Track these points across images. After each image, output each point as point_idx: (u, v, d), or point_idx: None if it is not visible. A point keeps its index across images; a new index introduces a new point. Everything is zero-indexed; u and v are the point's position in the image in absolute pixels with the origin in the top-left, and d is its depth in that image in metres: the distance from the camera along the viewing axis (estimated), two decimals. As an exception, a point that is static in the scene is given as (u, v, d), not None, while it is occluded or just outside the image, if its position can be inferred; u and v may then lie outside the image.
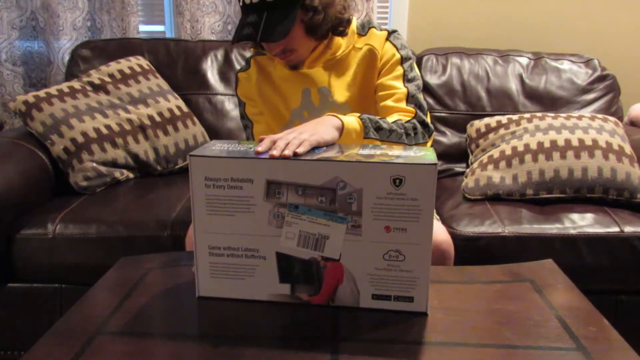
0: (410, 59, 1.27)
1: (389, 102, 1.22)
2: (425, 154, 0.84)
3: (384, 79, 1.25)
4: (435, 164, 0.78)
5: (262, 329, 0.81)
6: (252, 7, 1.15)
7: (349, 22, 1.27)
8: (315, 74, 1.27)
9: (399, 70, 1.25)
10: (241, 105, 1.37)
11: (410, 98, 1.22)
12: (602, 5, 2.25)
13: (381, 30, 1.29)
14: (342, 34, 1.26)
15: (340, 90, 1.26)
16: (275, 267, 0.85)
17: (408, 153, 0.85)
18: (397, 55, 1.25)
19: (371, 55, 1.26)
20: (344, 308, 0.86)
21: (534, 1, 2.26)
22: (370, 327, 0.81)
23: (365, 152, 0.86)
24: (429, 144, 1.23)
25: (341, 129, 1.04)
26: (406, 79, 1.24)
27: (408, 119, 1.19)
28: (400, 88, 1.23)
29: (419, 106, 1.22)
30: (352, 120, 1.07)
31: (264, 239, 0.84)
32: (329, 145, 0.95)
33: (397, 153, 0.85)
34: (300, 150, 0.85)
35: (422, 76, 2.03)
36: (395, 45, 1.26)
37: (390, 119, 1.17)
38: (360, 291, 0.85)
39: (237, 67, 2.06)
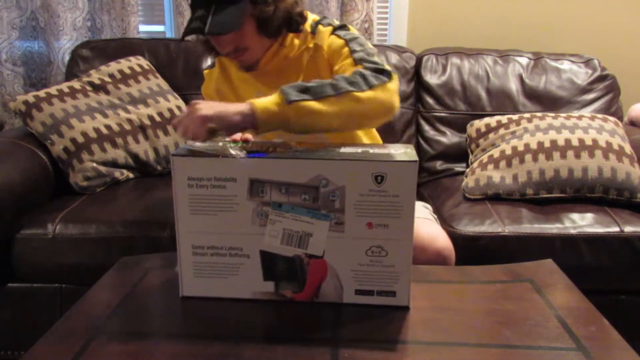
0: (355, 38, 1.18)
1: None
2: (406, 152, 0.86)
3: (336, 67, 1.17)
4: (415, 161, 0.80)
5: (262, 328, 0.81)
6: (200, 1, 1.11)
7: (302, 16, 1.22)
8: (267, 77, 1.23)
9: (345, 52, 1.16)
10: None
11: (357, 62, 1.11)
12: (602, 5, 2.25)
13: (328, 25, 1.23)
14: (297, 30, 1.21)
15: None
16: (259, 265, 0.86)
17: (389, 151, 0.86)
18: (341, 41, 1.18)
19: (317, 53, 1.21)
20: (328, 305, 0.86)
21: (534, 1, 2.26)
22: (365, 326, 0.81)
23: (347, 150, 0.86)
24: (394, 84, 1.07)
25: (252, 110, 0.95)
26: (353, 53, 1.14)
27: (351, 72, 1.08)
28: (349, 62, 1.14)
29: (365, 61, 1.10)
30: (267, 97, 0.98)
31: (247, 238, 0.84)
32: (214, 120, 0.92)
33: (377, 151, 0.86)
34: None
35: (422, 76, 2.03)
36: (338, 35, 1.20)
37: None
38: (344, 287, 0.86)
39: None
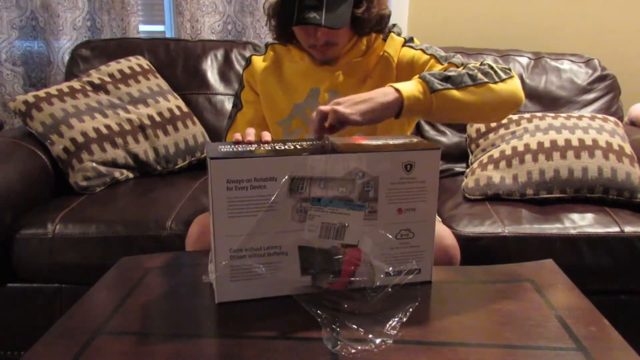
0: (429, 46, 1.20)
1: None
2: (420, 140, 0.94)
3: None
4: (439, 148, 0.89)
5: (263, 327, 0.81)
6: None
7: (389, 17, 1.21)
8: (331, 75, 1.23)
9: (427, 59, 1.16)
10: (241, 85, 1.34)
11: (459, 66, 1.10)
12: (602, 5, 2.25)
13: (399, 35, 1.24)
14: (382, 31, 1.22)
15: (350, 94, 1.23)
16: (297, 261, 0.86)
17: (404, 140, 0.93)
18: (417, 51, 1.19)
19: (386, 64, 1.22)
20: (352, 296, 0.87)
21: (534, 1, 2.26)
22: (366, 325, 0.81)
23: (372, 143, 0.90)
24: (518, 79, 1.07)
25: (400, 99, 0.94)
26: (444, 59, 1.14)
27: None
28: (426, 56, 1.15)
29: (468, 64, 1.09)
30: (409, 84, 0.97)
31: (286, 235, 0.85)
32: (357, 123, 0.93)
33: (396, 142, 0.92)
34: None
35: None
36: (412, 47, 1.21)
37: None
38: (375, 271, 0.89)
39: (237, 66, 2.06)
